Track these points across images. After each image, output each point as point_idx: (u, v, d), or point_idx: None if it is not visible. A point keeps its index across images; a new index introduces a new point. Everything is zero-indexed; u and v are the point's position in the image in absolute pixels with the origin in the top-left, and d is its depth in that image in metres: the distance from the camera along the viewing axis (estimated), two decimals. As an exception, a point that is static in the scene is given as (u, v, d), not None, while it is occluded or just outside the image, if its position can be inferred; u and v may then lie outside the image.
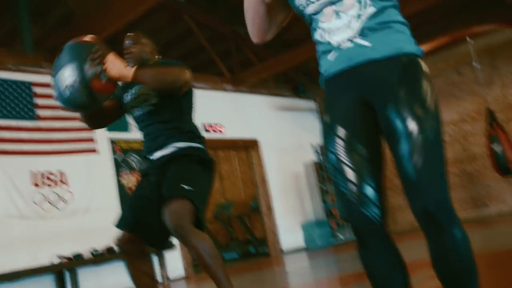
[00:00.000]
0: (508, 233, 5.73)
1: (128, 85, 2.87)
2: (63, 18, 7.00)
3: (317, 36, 1.59)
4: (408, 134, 1.37)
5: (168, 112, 2.79)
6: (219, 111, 8.98)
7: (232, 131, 9.08)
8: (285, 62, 8.79)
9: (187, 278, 7.71)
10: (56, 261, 6.27)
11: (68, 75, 2.38)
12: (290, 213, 9.73)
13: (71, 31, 6.03)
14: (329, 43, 1.55)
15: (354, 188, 1.45)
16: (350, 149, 1.48)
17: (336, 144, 1.50)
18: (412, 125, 1.37)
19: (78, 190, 6.75)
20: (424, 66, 1.49)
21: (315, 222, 9.73)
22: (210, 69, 9.27)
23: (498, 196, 9.13)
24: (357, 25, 1.47)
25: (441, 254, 1.38)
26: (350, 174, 1.46)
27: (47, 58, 6.71)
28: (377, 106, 1.47)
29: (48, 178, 6.57)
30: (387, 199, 1.56)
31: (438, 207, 1.35)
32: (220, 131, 8.89)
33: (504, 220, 7.90)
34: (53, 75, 2.46)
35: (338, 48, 1.52)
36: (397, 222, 9.99)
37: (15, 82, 6.55)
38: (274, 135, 9.74)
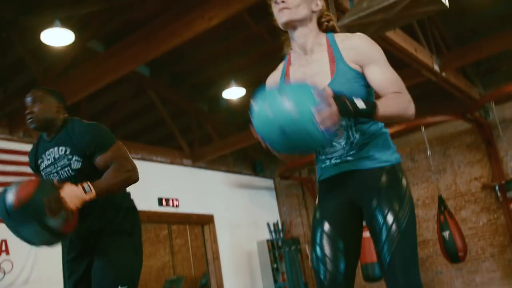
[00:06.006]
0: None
1: (43, 151, 2.58)
2: (25, 85, 6.80)
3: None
4: (386, 226, 1.71)
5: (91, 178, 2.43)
6: (176, 185, 8.91)
7: (187, 206, 8.99)
8: (245, 140, 8.73)
9: None
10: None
11: (35, 236, 2.19)
12: (242, 292, 9.54)
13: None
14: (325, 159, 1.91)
15: (330, 277, 1.81)
16: (332, 243, 1.83)
17: (322, 238, 1.85)
18: (390, 219, 1.71)
19: (20, 260, 6.42)
20: (400, 170, 1.85)
21: (266, 302, 9.56)
22: (170, 143, 9.32)
23: (449, 282, 9.20)
24: (346, 147, 1.84)
25: None
26: (329, 265, 1.82)
27: (3, 124, 6.66)
28: (362, 204, 1.82)
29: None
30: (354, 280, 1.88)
31: None
32: (176, 205, 8.80)
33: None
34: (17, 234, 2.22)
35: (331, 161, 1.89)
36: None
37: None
38: (229, 212, 9.68)
